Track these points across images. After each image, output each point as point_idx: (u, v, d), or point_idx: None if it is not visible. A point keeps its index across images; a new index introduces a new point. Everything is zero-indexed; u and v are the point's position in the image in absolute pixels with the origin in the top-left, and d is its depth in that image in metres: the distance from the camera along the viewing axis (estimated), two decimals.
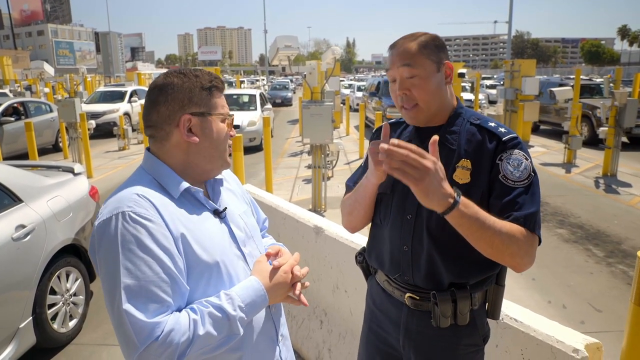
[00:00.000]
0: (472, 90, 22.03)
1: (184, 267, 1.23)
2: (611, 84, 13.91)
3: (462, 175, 1.50)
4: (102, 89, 21.29)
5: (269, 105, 15.73)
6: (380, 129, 1.78)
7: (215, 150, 1.37)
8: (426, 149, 1.29)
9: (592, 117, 13.23)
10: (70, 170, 4.62)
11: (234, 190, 1.57)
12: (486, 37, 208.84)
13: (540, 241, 1.46)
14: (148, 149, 1.39)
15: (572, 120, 10.83)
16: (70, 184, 4.34)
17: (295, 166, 11.32)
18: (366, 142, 12.06)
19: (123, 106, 17.43)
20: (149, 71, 42.13)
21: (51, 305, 3.67)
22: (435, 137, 1.32)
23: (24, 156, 11.12)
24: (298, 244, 3.38)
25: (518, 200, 1.43)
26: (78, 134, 11.19)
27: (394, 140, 1.26)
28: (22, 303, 3.32)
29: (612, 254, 5.71)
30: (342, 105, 18.87)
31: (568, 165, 10.76)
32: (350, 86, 31.56)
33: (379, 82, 17.43)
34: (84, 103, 15.53)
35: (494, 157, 1.49)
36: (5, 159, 10.16)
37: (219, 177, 1.50)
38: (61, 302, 3.78)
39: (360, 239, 2.80)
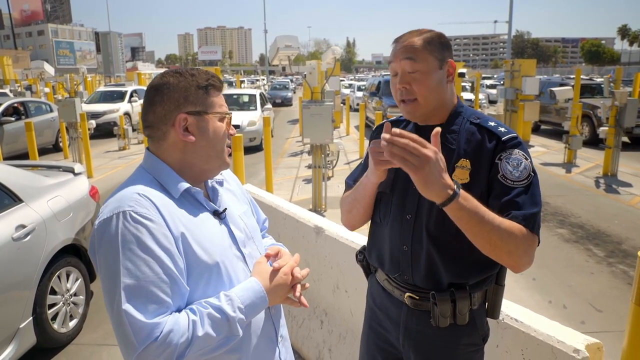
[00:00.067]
0: (473, 90, 22.05)
1: (184, 267, 1.23)
2: (611, 84, 13.89)
3: (461, 175, 1.50)
4: (102, 88, 21.30)
5: (269, 105, 15.73)
6: (380, 127, 1.78)
7: (213, 150, 1.36)
8: None
9: (593, 117, 13.22)
10: (71, 170, 4.62)
11: (234, 190, 1.57)
12: (486, 36, 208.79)
13: (539, 242, 1.45)
14: (148, 149, 1.39)
15: (573, 120, 10.83)
16: (71, 184, 4.34)
17: (295, 166, 11.32)
18: (366, 142, 12.05)
19: (123, 106, 17.44)
20: (149, 71, 42.12)
21: (51, 305, 3.66)
22: (438, 129, 1.33)
23: (24, 156, 11.12)
24: (298, 244, 3.37)
25: (517, 200, 1.42)
26: (78, 134, 11.19)
27: (396, 130, 1.27)
28: (22, 303, 3.32)
29: (612, 254, 5.70)
30: (342, 105, 18.86)
31: (568, 165, 10.76)
32: (350, 86, 31.58)
33: (379, 82, 17.44)
34: (84, 103, 15.54)
35: (493, 157, 1.48)
36: (5, 158, 10.16)
37: (219, 178, 1.49)
38: (61, 302, 3.78)
39: (361, 239, 2.80)
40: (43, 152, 12.78)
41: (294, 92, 36.25)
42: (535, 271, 5.15)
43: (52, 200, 3.87)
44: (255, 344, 1.37)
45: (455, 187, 1.31)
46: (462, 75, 14.72)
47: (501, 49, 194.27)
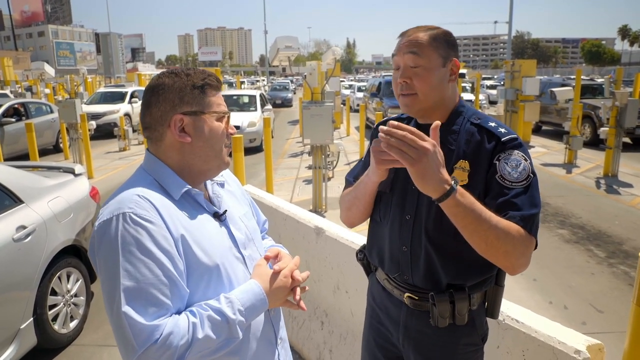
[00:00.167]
0: (473, 90, 22.04)
1: (184, 269, 1.22)
2: (612, 84, 13.88)
3: (460, 176, 1.49)
4: (102, 89, 21.30)
5: (269, 106, 15.74)
6: (380, 125, 1.78)
7: (211, 150, 1.35)
8: None
9: (594, 117, 13.21)
10: (71, 171, 4.62)
11: (234, 192, 1.56)
12: (486, 37, 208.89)
13: (536, 245, 1.43)
14: (148, 150, 1.38)
15: (573, 120, 10.83)
16: (71, 184, 4.34)
17: (295, 167, 11.32)
18: (366, 143, 12.05)
19: (123, 107, 17.44)
20: (150, 72, 42.17)
21: (52, 306, 3.66)
22: (438, 122, 1.32)
23: (25, 157, 11.12)
24: (299, 245, 3.37)
25: (515, 201, 1.40)
26: (79, 135, 11.20)
27: (394, 122, 1.27)
28: (23, 304, 3.32)
29: (613, 254, 5.70)
30: (342, 105, 18.87)
31: (569, 166, 10.76)
32: (350, 87, 31.57)
33: (379, 83, 17.44)
34: (85, 104, 15.53)
35: (492, 157, 1.47)
36: (6, 159, 10.16)
37: (219, 179, 1.49)
38: (62, 303, 3.78)
39: (361, 240, 2.79)
40: (43, 153, 12.78)
41: (294, 93, 36.27)
42: (536, 272, 5.15)
43: (53, 201, 3.87)
44: (254, 347, 1.36)
45: (453, 182, 1.30)
46: (462, 75, 14.72)
47: (501, 50, 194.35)
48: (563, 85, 15.07)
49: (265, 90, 32.54)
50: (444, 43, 1.52)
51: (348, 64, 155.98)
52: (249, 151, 12.09)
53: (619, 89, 12.17)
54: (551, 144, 14.05)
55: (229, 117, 1.40)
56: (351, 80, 45.38)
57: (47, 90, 21.42)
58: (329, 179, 9.01)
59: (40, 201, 3.73)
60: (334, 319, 3.17)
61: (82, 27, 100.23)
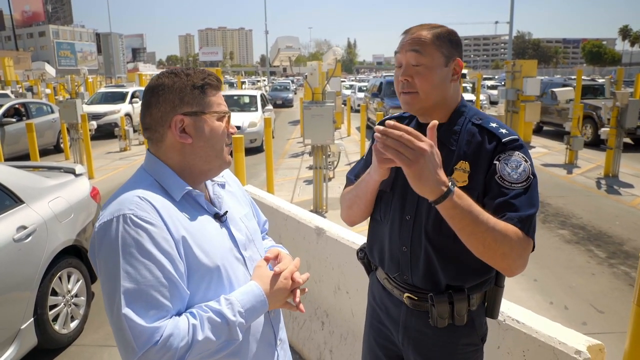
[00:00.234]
0: (474, 90, 22.05)
1: (184, 271, 1.22)
2: (612, 85, 13.88)
3: (460, 177, 1.48)
4: (103, 89, 21.31)
5: (269, 106, 15.72)
6: (382, 123, 1.77)
7: (212, 150, 1.34)
8: None
9: (596, 117, 13.20)
10: (72, 171, 4.62)
11: (235, 192, 1.55)
12: (487, 37, 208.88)
13: (534, 247, 1.42)
14: (149, 150, 1.38)
15: (574, 120, 10.82)
16: (72, 185, 4.34)
17: (296, 167, 11.32)
18: (367, 143, 12.05)
19: (124, 107, 17.45)
20: (150, 72, 42.16)
21: (52, 307, 3.67)
22: (435, 122, 1.30)
23: (26, 157, 11.14)
24: (299, 245, 3.37)
25: (513, 202, 1.39)
26: (79, 135, 11.20)
27: (390, 122, 1.24)
28: (23, 304, 3.32)
29: (614, 255, 5.70)
30: (343, 106, 18.87)
31: (569, 166, 10.75)
32: (351, 87, 31.57)
33: (380, 83, 17.44)
34: (85, 104, 15.54)
35: (492, 158, 1.46)
36: (6, 159, 10.17)
37: (220, 180, 1.49)
38: (62, 303, 3.78)
39: (362, 240, 2.79)
40: (44, 153, 12.80)
41: (295, 93, 36.23)
42: (537, 272, 5.14)
43: (53, 201, 3.87)
44: (254, 348, 1.36)
45: (450, 184, 1.28)
46: (463, 76, 14.63)
47: (502, 50, 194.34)
48: (564, 85, 15.07)
49: (266, 91, 32.54)
50: (447, 42, 1.50)
51: (349, 64, 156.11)
52: (250, 151, 12.09)
53: (620, 90, 12.17)
54: (552, 144, 14.04)
55: (229, 117, 1.39)
56: (352, 81, 45.38)
57: (48, 91, 21.44)
58: (330, 179, 9.01)
59: (40, 201, 3.73)
60: (334, 319, 3.17)
61: (83, 27, 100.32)
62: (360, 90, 27.91)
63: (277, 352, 1.48)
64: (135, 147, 14.46)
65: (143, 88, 20.37)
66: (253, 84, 43.08)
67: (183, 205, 1.30)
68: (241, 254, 1.39)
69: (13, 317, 3.23)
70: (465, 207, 1.30)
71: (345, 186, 1.80)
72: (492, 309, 1.62)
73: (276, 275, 1.38)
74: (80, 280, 4.06)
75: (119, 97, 18.33)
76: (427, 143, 1.23)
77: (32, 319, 3.40)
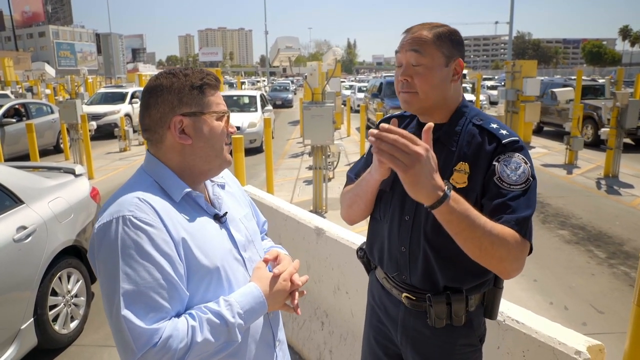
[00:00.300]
0: (473, 91, 22.05)
1: (184, 272, 1.22)
2: (612, 85, 13.89)
3: (460, 179, 1.47)
4: (103, 90, 21.31)
5: (269, 107, 15.73)
6: (383, 121, 1.76)
7: (212, 150, 1.34)
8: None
9: (596, 118, 13.20)
10: (72, 172, 4.62)
11: (234, 193, 1.55)
12: (487, 37, 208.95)
13: (531, 249, 1.41)
14: (149, 151, 1.37)
15: (574, 121, 10.82)
16: (72, 185, 4.34)
17: (296, 167, 11.33)
18: (367, 144, 12.04)
19: (124, 107, 17.46)
20: (150, 72, 42.17)
21: (52, 307, 3.67)
22: (430, 124, 1.26)
23: (25, 157, 11.14)
24: (299, 245, 3.37)
25: (511, 204, 1.38)
26: (79, 135, 11.20)
27: (384, 125, 1.20)
28: (23, 304, 3.32)
29: (614, 255, 5.70)
30: (343, 106, 18.87)
31: (569, 167, 10.75)
32: (351, 87, 31.57)
33: (381, 84, 17.45)
34: (85, 104, 15.54)
35: (492, 159, 1.45)
36: (6, 160, 10.17)
37: (220, 180, 1.48)
38: (62, 304, 3.78)
39: (362, 240, 2.79)
40: (44, 153, 12.80)
41: (295, 94, 36.24)
42: (537, 272, 5.14)
43: (53, 201, 3.87)
44: (253, 349, 1.36)
45: (446, 188, 1.25)
46: (463, 76, 14.68)
47: (502, 50, 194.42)
48: (565, 85, 15.07)
49: (266, 91, 32.53)
50: (448, 42, 1.49)
51: (349, 65, 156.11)
52: (250, 152, 12.09)
53: (620, 90, 12.17)
54: (552, 144, 14.05)
55: (228, 116, 1.39)
56: (352, 81, 45.39)
57: (48, 91, 21.44)
58: (330, 179, 9.01)
59: (40, 202, 3.73)
60: (334, 319, 3.17)
61: (82, 28, 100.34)
62: (360, 90, 27.91)
63: (276, 352, 1.47)
64: (135, 147, 14.47)
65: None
66: (253, 84, 43.05)
67: (183, 206, 1.30)
68: (241, 255, 1.39)
69: (13, 317, 3.23)
70: (462, 212, 1.28)
71: (346, 185, 1.79)
72: (490, 310, 1.62)
73: (275, 277, 1.38)
74: (80, 281, 4.06)
75: (119, 98, 18.33)
76: (422, 147, 1.19)
77: (32, 319, 3.40)
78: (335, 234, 3.02)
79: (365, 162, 1.72)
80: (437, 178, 1.23)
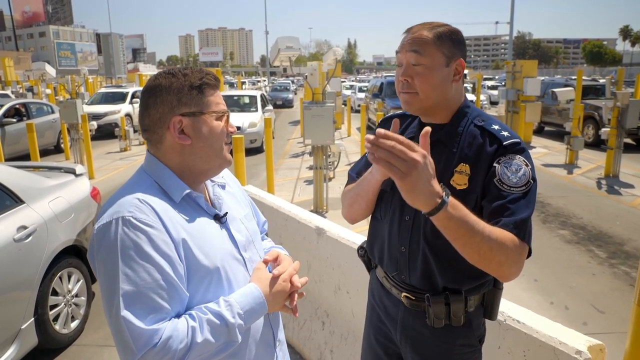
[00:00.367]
0: (474, 91, 22.05)
1: (184, 273, 1.21)
2: (613, 85, 13.88)
3: (460, 180, 1.46)
4: (103, 90, 21.32)
5: (270, 107, 15.71)
6: (384, 121, 1.76)
7: (211, 150, 1.33)
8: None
9: (597, 118, 13.19)
10: (72, 172, 4.62)
11: (235, 193, 1.55)
12: (487, 37, 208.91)
13: (530, 252, 1.40)
14: (149, 151, 1.37)
15: (574, 121, 10.82)
16: (72, 185, 4.34)
17: (296, 167, 11.33)
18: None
19: (124, 107, 17.46)
20: (150, 72, 42.15)
21: (53, 307, 3.67)
22: (427, 129, 1.22)
23: (26, 157, 11.14)
24: (300, 245, 3.37)
25: (510, 206, 1.37)
26: (80, 135, 11.21)
27: (380, 131, 1.16)
28: (24, 304, 3.32)
29: (614, 255, 5.69)
30: (343, 106, 18.87)
31: (570, 166, 10.75)
32: (351, 87, 31.55)
33: (381, 84, 17.44)
34: (86, 104, 15.54)
35: (492, 160, 1.44)
36: (7, 160, 10.17)
37: (221, 181, 1.48)
38: (63, 303, 3.78)
39: (362, 240, 2.79)
40: (44, 153, 12.80)
41: (295, 94, 36.20)
42: (537, 272, 5.14)
43: (54, 201, 3.87)
44: (253, 349, 1.36)
45: (444, 194, 1.22)
46: (463, 76, 14.67)
47: (502, 50, 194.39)
48: (566, 85, 15.06)
49: (266, 91, 32.52)
50: (449, 42, 1.47)
51: (349, 65, 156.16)
52: (250, 152, 12.09)
53: (621, 90, 12.16)
54: (553, 144, 14.04)
55: (228, 116, 1.38)
56: (352, 81, 45.36)
57: (48, 91, 21.45)
58: (330, 179, 9.01)
59: (41, 201, 3.73)
60: (335, 319, 3.17)
61: (83, 28, 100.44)
62: (360, 90, 27.90)
63: (276, 353, 1.47)
64: (136, 147, 14.48)
65: None
66: (253, 84, 43.06)
67: (183, 206, 1.29)
68: (241, 255, 1.39)
69: (13, 317, 3.23)
70: (461, 217, 1.25)
71: (347, 184, 1.79)
72: (490, 310, 1.62)
73: (275, 278, 1.37)
74: (81, 280, 4.06)
75: (119, 98, 18.33)
76: (420, 153, 1.15)
77: (33, 318, 3.40)
78: (336, 234, 3.02)
79: (366, 161, 1.71)
80: (435, 184, 1.20)
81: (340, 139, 14.77)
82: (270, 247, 1.64)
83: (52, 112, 13.66)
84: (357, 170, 1.76)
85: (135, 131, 15.56)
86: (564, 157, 11.17)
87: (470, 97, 20.59)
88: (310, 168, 9.75)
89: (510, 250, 1.32)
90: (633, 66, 77.07)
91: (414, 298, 1.59)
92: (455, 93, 1.54)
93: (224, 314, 1.21)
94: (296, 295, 1.42)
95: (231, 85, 30.12)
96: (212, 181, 1.46)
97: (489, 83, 32.52)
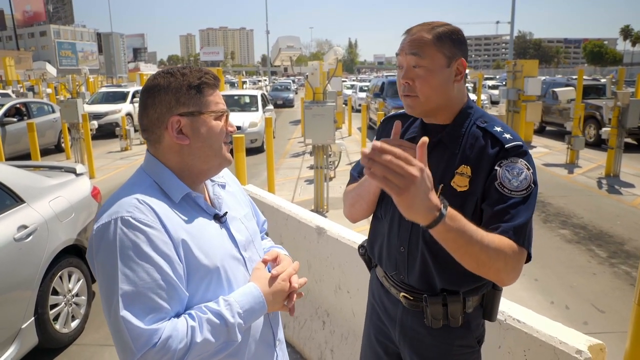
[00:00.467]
0: (475, 90, 22.05)
1: (183, 273, 1.21)
2: (613, 85, 13.87)
3: (461, 182, 1.45)
4: (104, 89, 21.32)
5: (270, 106, 15.70)
6: (385, 121, 1.75)
7: (210, 149, 1.32)
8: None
9: (599, 117, 13.17)
10: (73, 171, 4.62)
11: (234, 193, 1.54)
12: (488, 37, 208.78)
13: (530, 257, 1.39)
14: (149, 151, 1.36)
15: (575, 120, 10.81)
16: (73, 184, 4.34)
17: (297, 167, 11.32)
18: (368, 143, 12.05)
19: (125, 107, 17.44)
20: (151, 72, 42.12)
21: (53, 306, 3.67)
22: (425, 139, 1.16)
23: (27, 157, 11.15)
24: (300, 245, 3.37)
25: (511, 211, 1.36)
26: (80, 135, 11.22)
27: (377, 143, 1.11)
28: (24, 303, 3.32)
29: (615, 254, 5.69)
30: (344, 105, 18.87)
31: (570, 166, 10.74)
32: (352, 87, 31.53)
33: (383, 83, 17.42)
34: (87, 104, 15.55)
35: (494, 163, 1.42)
36: (7, 159, 10.18)
37: (221, 180, 1.48)
38: (63, 303, 3.79)
39: (363, 239, 2.79)
40: (45, 152, 12.81)
41: (296, 93, 36.16)
42: (538, 272, 5.14)
43: (54, 200, 3.87)
44: (253, 349, 1.36)
45: (442, 206, 1.18)
46: (465, 76, 14.66)
47: (503, 50, 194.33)
48: (567, 85, 15.05)
49: (267, 91, 32.50)
50: (449, 42, 1.45)
51: (350, 64, 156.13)
52: (251, 151, 12.09)
53: (621, 89, 12.15)
54: (554, 144, 14.03)
55: (227, 115, 1.37)
56: (353, 80, 45.33)
57: (49, 90, 21.46)
58: (331, 179, 9.01)
59: (41, 201, 3.73)
60: (335, 318, 3.17)
61: (84, 27, 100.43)
62: (361, 90, 27.86)
63: (276, 352, 1.47)
64: (136, 146, 14.48)
65: None
66: (254, 83, 43.06)
67: (182, 206, 1.29)
68: (241, 255, 1.39)
69: (14, 317, 3.23)
70: (459, 229, 1.23)
71: (349, 183, 1.79)
72: (489, 311, 1.61)
73: (274, 278, 1.37)
74: (81, 280, 4.06)
75: (120, 97, 18.32)
76: (417, 167, 1.09)
77: (33, 318, 3.40)
78: (337, 234, 3.02)
79: None
80: (433, 197, 1.16)
81: (341, 138, 14.78)
82: (270, 247, 1.64)
83: (53, 111, 13.67)
84: (359, 170, 1.76)
85: (135, 131, 15.57)
86: (565, 157, 11.16)
87: (471, 96, 20.55)
88: (311, 167, 9.75)
89: (509, 257, 1.32)
90: (634, 66, 76.95)
91: (412, 298, 1.59)
92: (457, 93, 1.52)
93: (224, 314, 1.21)
94: (295, 296, 1.42)
95: (232, 84, 30.13)
96: (212, 181, 1.45)
97: (490, 83, 32.52)
